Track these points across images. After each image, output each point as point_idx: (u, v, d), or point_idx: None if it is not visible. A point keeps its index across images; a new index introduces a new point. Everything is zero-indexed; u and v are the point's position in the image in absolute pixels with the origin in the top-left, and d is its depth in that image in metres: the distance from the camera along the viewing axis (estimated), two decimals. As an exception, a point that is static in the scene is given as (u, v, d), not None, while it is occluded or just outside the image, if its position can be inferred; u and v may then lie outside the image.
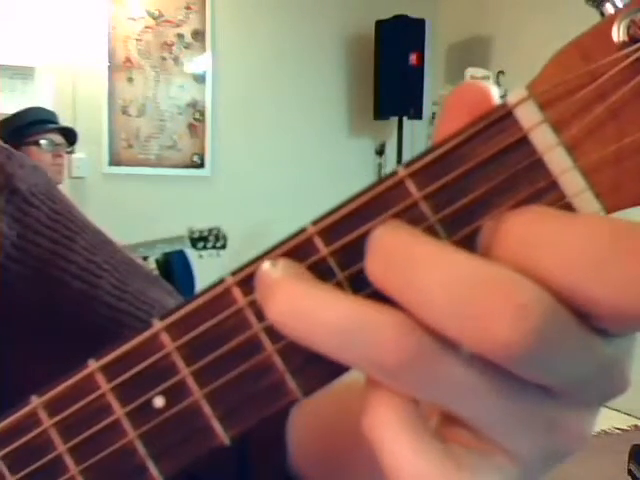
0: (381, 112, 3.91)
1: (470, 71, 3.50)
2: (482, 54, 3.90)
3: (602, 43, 0.20)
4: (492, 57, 3.86)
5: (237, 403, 0.23)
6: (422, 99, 3.78)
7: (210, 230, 2.83)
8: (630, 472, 2.13)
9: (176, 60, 3.74)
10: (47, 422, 0.24)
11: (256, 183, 3.84)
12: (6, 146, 0.49)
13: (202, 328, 0.23)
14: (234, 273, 0.23)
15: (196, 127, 3.78)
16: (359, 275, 0.22)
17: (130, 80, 3.65)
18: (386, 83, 3.83)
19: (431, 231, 0.21)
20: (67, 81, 3.50)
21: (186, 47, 3.75)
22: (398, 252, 0.20)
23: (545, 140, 0.21)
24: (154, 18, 3.67)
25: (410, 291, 0.20)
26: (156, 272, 2.73)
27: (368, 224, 0.22)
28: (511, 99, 0.21)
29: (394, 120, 3.90)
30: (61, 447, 0.24)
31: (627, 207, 0.21)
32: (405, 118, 3.86)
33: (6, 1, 3.32)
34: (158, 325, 0.23)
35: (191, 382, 0.23)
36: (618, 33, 0.20)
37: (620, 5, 0.21)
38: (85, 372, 0.24)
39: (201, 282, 2.95)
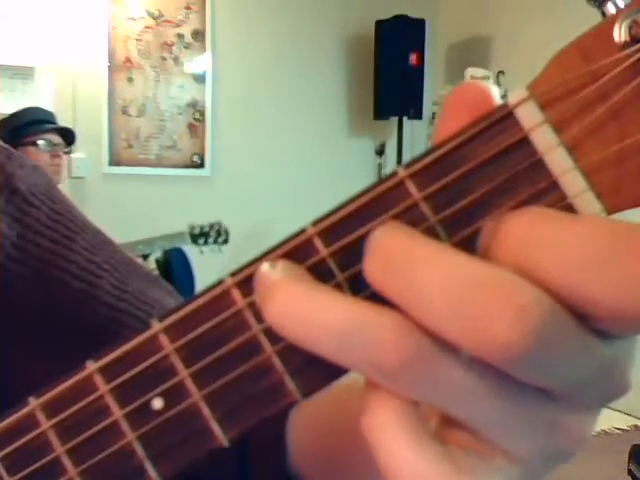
0: (381, 112, 3.91)
1: (470, 71, 3.50)
2: (482, 54, 3.90)
3: (603, 43, 0.20)
4: (492, 57, 3.86)
5: (236, 405, 0.23)
6: (422, 99, 3.78)
7: (211, 225, 2.81)
8: (630, 472, 2.13)
9: (176, 60, 3.73)
10: (45, 424, 0.24)
11: (256, 183, 3.84)
12: (6, 146, 0.49)
13: (201, 329, 0.23)
14: (233, 274, 0.23)
15: (196, 127, 3.78)
16: (359, 276, 0.21)
17: (130, 80, 3.65)
18: (386, 83, 3.83)
19: (431, 232, 0.21)
20: (67, 81, 3.50)
21: (186, 47, 3.75)
22: (396, 254, 0.20)
23: (546, 140, 0.21)
24: (154, 18, 3.67)
25: (409, 293, 0.20)
26: (156, 272, 2.72)
27: (368, 225, 0.22)
28: (512, 99, 0.21)
29: (394, 120, 3.90)
30: (59, 449, 0.24)
31: (628, 208, 0.21)
32: (405, 118, 3.86)
33: (6, 1, 3.32)
34: (157, 326, 0.23)
35: (190, 384, 0.23)
36: (619, 33, 0.20)
37: (621, 5, 0.21)
38: (83, 373, 0.24)
39: (201, 282, 2.95)
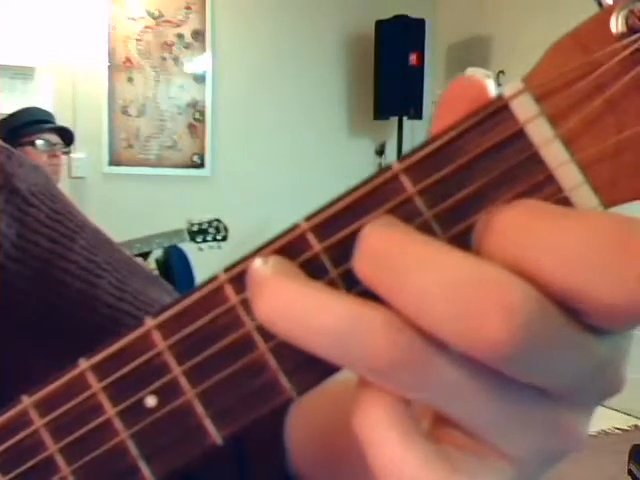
0: (381, 112, 3.91)
1: (470, 71, 3.50)
2: (482, 54, 3.90)
3: (600, 34, 0.20)
4: (492, 57, 3.86)
5: (230, 402, 0.22)
6: (422, 99, 3.78)
7: (210, 222, 2.79)
8: (630, 472, 2.12)
9: (176, 60, 3.74)
10: (38, 422, 0.24)
11: (256, 183, 3.84)
12: (6, 146, 0.49)
13: (194, 326, 0.23)
14: (226, 270, 0.22)
15: (196, 127, 3.78)
16: (353, 272, 0.21)
17: (130, 80, 3.65)
18: (386, 83, 3.83)
19: (426, 226, 0.21)
20: (67, 81, 3.50)
21: (186, 47, 3.75)
22: (386, 251, 0.20)
23: (541, 133, 0.21)
24: (154, 18, 3.67)
25: (398, 291, 0.20)
26: (156, 272, 2.72)
27: (362, 220, 0.21)
28: (507, 92, 0.21)
29: (394, 120, 3.90)
30: (52, 447, 0.24)
31: (625, 202, 0.20)
32: (405, 118, 3.86)
33: (6, 1, 3.33)
34: (150, 323, 0.23)
35: (183, 381, 0.23)
36: (617, 24, 0.20)
37: (618, -5, 0.21)
38: (76, 371, 0.23)
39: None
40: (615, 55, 0.20)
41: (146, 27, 3.66)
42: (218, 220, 2.80)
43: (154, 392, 0.23)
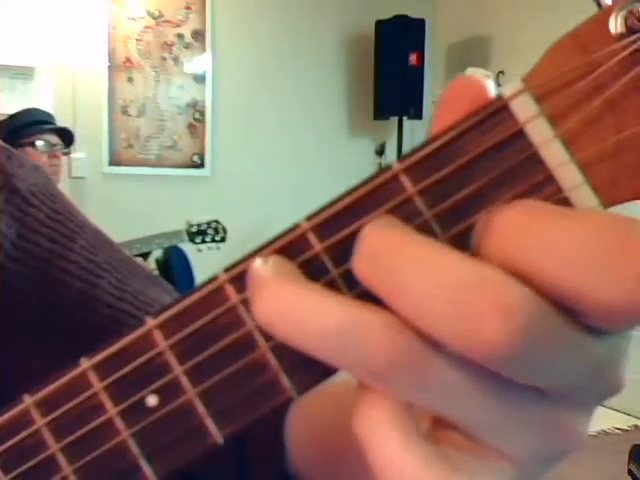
0: (381, 112, 3.91)
1: (470, 71, 3.50)
2: (482, 54, 3.90)
3: (599, 34, 0.20)
4: (492, 57, 3.86)
5: (231, 402, 0.23)
6: (422, 99, 3.78)
7: (209, 223, 2.79)
8: (630, 472, 2.12)
9: (176, 60, 3.73)
10: (40, 421, 0.24)
11: (256, 183, 3.84)
12: (6, 146, 0.49)
13: (195, 326, 0.23)
14: (227, 270, 0.23)
15: (196, 127, 3.78)
16: (353, 272, 0.21)
17: (130, 80, 3.65)
18: (386, 83, 3.83)
19: (426, 227, 0.21)
20: (67, 81, 3.49)
21: (186, 47, 3.75)
22: (384, 252, 0.20)
23: (541, 133, 0.21)
24: (154, 18, 3.67)
25: (397, 292, 0.20)
26: (156, 272, 2.72)
27: (362, 219, 0.21)
28: (507, 92, 0.21)
29: (394, 120, 3.90)
30: (54, 446, 0.24)
31: (625, 202, 0.20)
32: (405, 118, 3.86)
33: (6, 1, 3.32)
34: (151, 323, 0.23)
35: (184, 380, 0.23)
36: (616, 24, 0.20)
37: (617, -4, 0.21)
38: (77, 371, 0.23)
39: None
40: (614, 55, 0.20)
41: (146, 27, 3.66)
42: (217, 221, 2.80)
43: (155, 391, 0.23)
